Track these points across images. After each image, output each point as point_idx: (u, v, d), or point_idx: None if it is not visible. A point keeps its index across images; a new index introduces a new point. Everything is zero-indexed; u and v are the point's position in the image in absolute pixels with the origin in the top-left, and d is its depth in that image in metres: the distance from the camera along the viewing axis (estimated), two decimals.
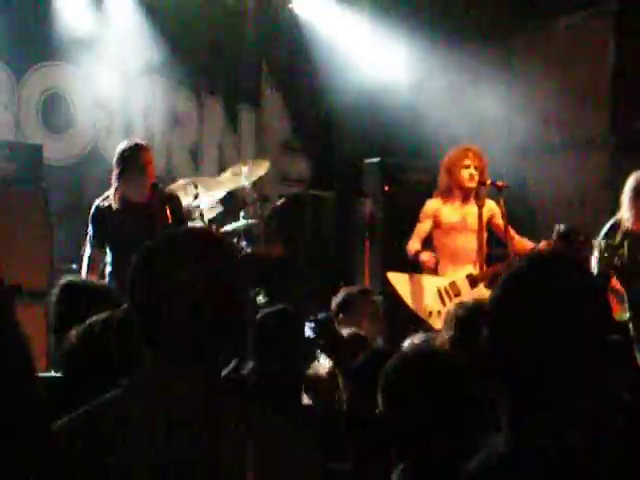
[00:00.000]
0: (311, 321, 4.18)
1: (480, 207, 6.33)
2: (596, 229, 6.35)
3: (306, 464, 1.73)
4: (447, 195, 6.49)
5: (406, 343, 4.01)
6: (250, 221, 7.35)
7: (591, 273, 1.70)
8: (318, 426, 3.16)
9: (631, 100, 7.89)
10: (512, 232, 6.43)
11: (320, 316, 4.27)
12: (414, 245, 6.49)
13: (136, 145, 5.90)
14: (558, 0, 8.24)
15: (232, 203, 8.02)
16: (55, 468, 1.73)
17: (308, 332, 4.08)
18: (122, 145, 5.91)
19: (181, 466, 1.67)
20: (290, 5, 9.08)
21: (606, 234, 6.15)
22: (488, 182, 6.38)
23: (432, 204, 6.53)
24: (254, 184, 7.55)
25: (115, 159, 5.87)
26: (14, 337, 1.80)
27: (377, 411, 2.33)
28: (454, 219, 6.46)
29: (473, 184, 6.35)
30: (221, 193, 7.34)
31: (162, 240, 1.82)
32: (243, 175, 7.32)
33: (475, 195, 6.37)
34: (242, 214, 7.40)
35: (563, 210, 8.11)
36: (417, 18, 8.75)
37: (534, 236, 6.83)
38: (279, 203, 8.13)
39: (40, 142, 7.46)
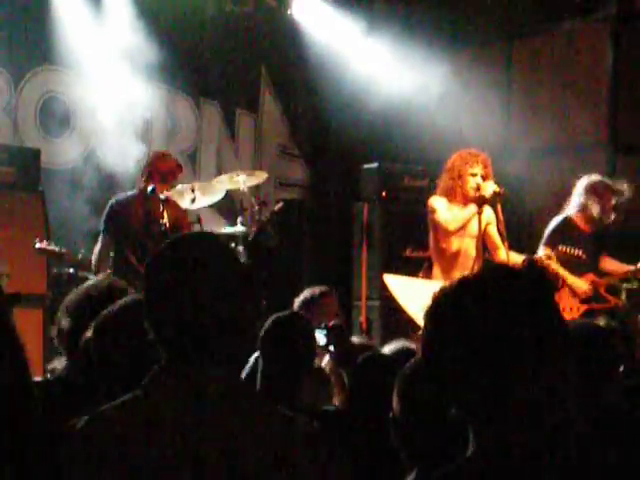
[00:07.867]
0: (323, 328, 4.18)
1: (479, 214, 6.23)
2: None
3: (329, 463, 1.79)
4: (451, 197, 6.33)
5: (385, 349, 4.02)
6: (247, 228, 7.31)
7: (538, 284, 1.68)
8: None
9: (629, 105, 7.91)
10: (499, 242, 6.32)
11: (332, 323, 4.26)
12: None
13: (178, 166, 6.38)
14: (557, 6, 8.25)
15: (230, 208, 8.02)
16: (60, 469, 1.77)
17: (319, 339, 4.07)
18: (165, 155, 6.30)
19: (208, 466, 1.72)
20: (290, 11, 9.08)
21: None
22: None
23: (438, 201, 6.32)
24: (251, 189, 7.53)
25: (152, 163, 6.24)
26: (9, 342, 1.82)
27: (390, 415, 2.30)
28: None
29: (477, 194, 6.20)
30: (218, 196, 7.32)
31: (170, 245, 1.93)
32: (241, 181, 7.30)
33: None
34: (240, 219, 7.38)
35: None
36: (416, 25, 8.77)
37: (531, 242, 6.83)
38: (277, 208, 8.11)
39: (38, 146, 7.47)
